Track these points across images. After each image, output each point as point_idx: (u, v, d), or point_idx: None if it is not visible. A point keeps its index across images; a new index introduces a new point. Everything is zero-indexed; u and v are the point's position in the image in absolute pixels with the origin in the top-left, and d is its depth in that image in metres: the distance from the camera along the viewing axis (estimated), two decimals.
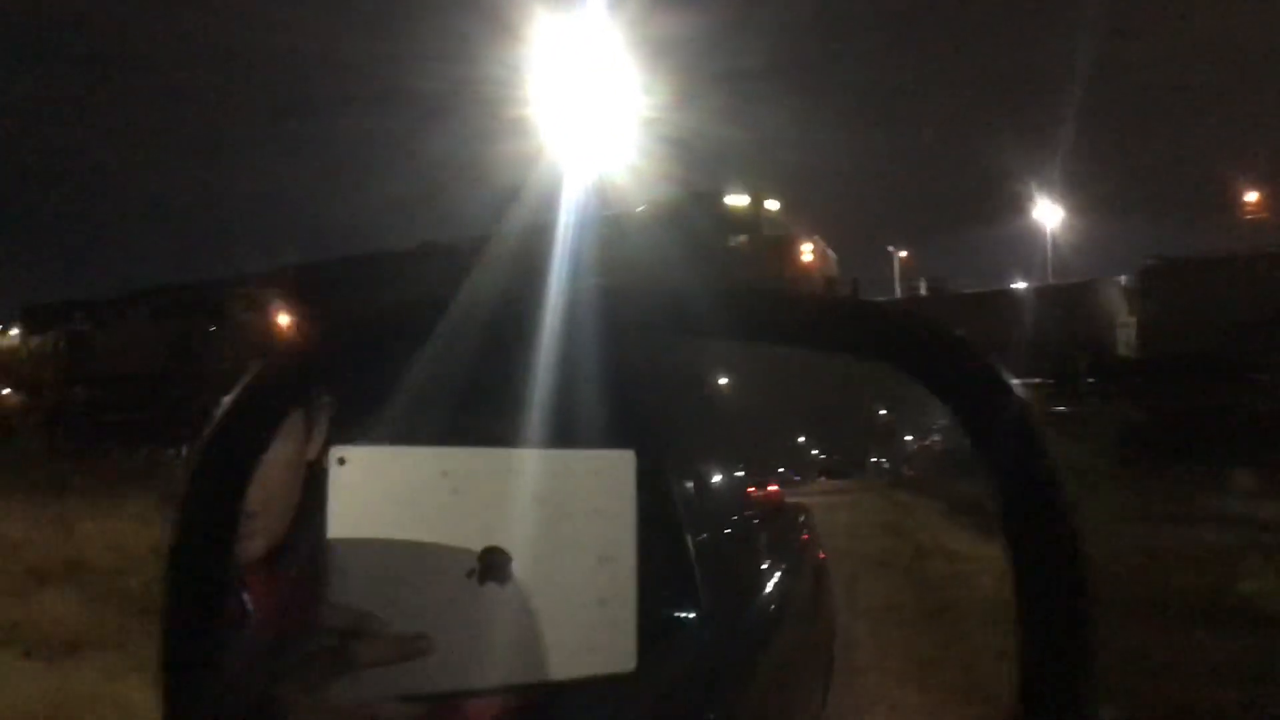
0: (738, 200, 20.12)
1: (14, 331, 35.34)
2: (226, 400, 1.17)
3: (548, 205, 21.02)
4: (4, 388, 32.58)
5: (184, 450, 13.42)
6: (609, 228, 22.83)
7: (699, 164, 24.99)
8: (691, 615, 1.64)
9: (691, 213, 20.28)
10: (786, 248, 19.18)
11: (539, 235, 20.45)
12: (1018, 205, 42.21)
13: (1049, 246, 42.94)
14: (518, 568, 1.07)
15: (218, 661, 1.12)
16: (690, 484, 1.92)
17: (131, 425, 18.93)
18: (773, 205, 20.39)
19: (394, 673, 1.04)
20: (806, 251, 19.10)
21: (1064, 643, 0.99)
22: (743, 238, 19.58)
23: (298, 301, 28.23)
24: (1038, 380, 30.23)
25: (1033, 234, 42.60)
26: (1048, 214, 44.08)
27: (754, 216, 20.02)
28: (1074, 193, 42.98)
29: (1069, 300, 31.45)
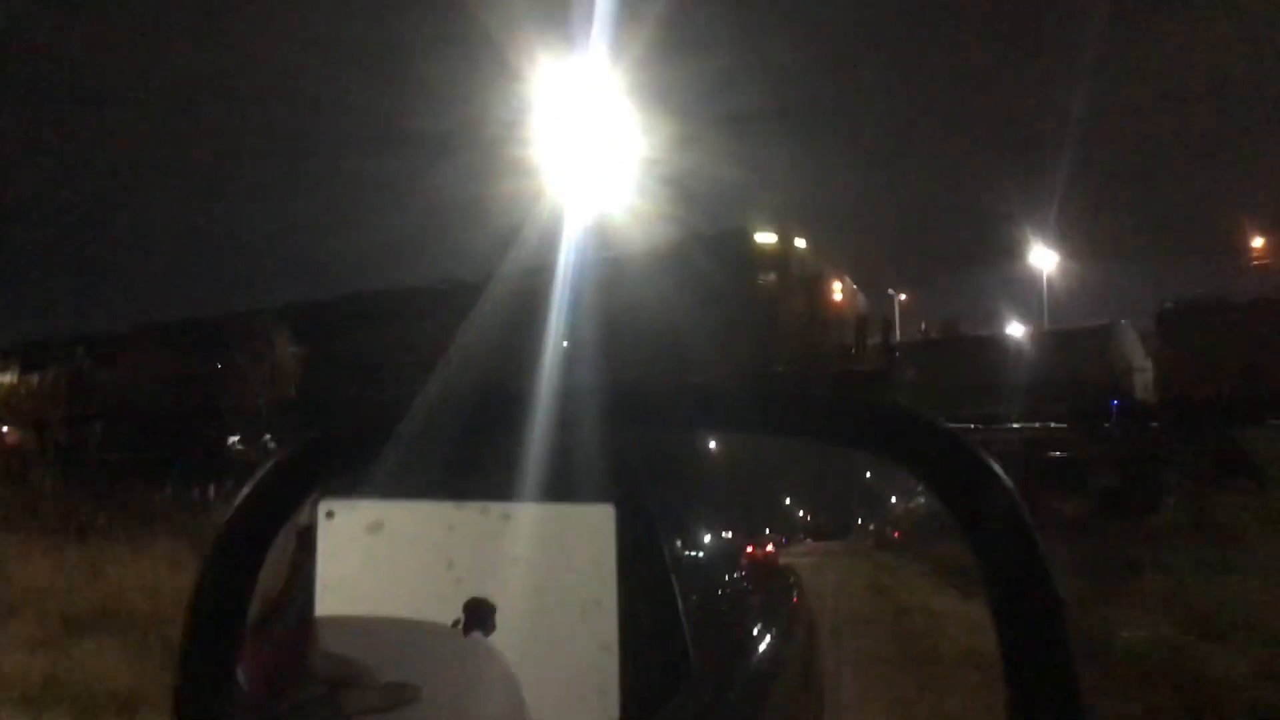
0: (766, 238, 19.78)
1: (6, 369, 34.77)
2: (245, 490, 1.19)
3: (548, 245, 21.27)
4: (3, 425, 31.97)
5: (210, 490, 13.09)
6: (609, 269, 22.64)
7: (698, 205, 25.13)
8: (682, 673, 1.63)
9: (717, 251, 19.94)
10: (816, 286, 18.79)
11: (540, 275, 20.57)
12: (1015, 249, 42.33)
13: (1045, 291, 43.09)
14: (502, 619, 1.09)
15: None
16: (681, 543, 1.92)
17: (143, 463, 18.36)
18: (800, 243, 20.05)
19: None
20: (836, 290, 18.70)
21: None
22: (771, 276, 19.20)
23: (307, 338, 27.82)
24: (1053, 424, 30.11)
25: (1029, 278, 42.67)
26: (1044, 259, 44.30)
27: (783, 255, 19.66)
28: (1071, 237, 43.22)
29: (1084, 344, 31.22)
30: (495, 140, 26.41)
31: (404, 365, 22.80)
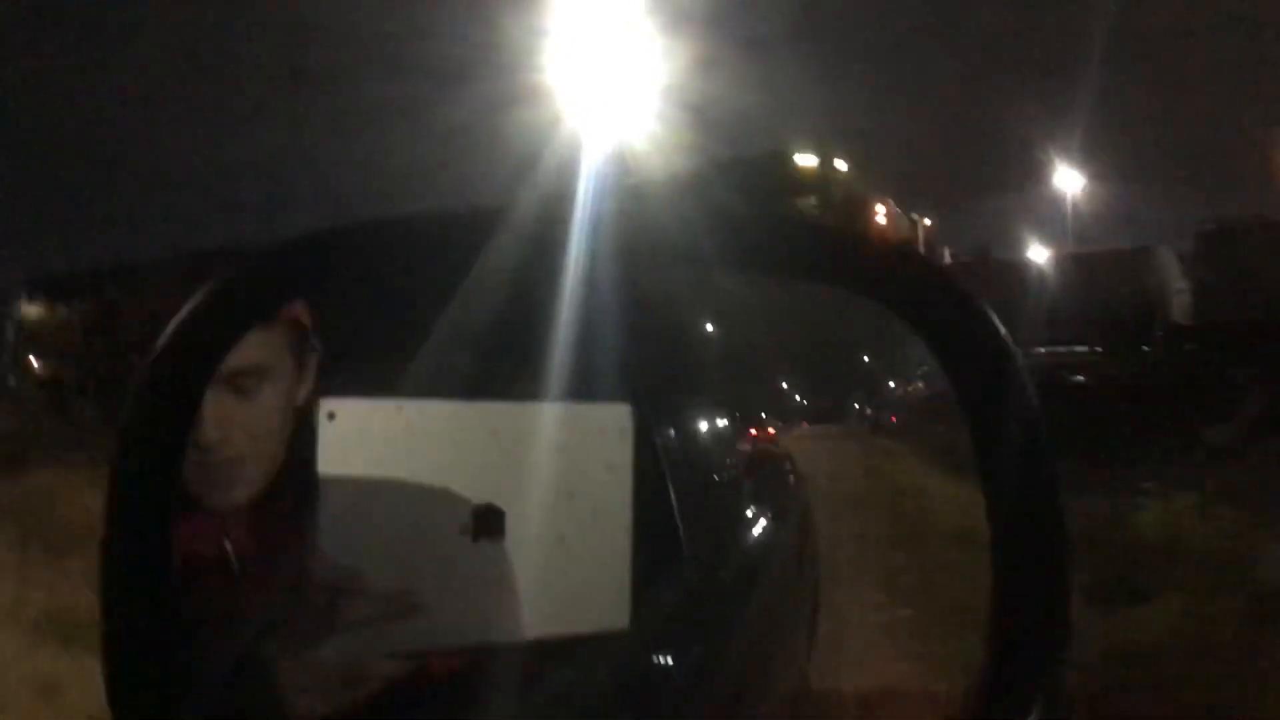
0: (806, 160, 19.31)
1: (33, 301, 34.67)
2: (185, 308, 1.08)
3: (568, 173, 21.03)
4: (34, 357, 31.94)
5: None
6: (630, 197, 22.19)
7: (719, 131, 24.86)
8: (673, 564, 1.60)
9: (755, 175, 19.50)
10: (858, 210, 18.32)
11: (559, 203, 20.03)
12: (1039, 172, 41.68)
13: (1069, 214, 42.52)
14: (513, 523, 1.06)
15: (171, 622, 1.03)
16: (674, 431, 1.87)
17: None
18: (841, 165, 19.58)
19: (383, 630, 1.03)
20: (880, 214, 18.26)
21: (1039, 617, 0.96)
22: (812, 199, 18.74)
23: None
24: (1087, 349, 29.79)
25: (1053, 202, 42.04)
26: (1069, 181, 43.55)
27: (823, 178, 19.18)
28: (1096, 159, 42.46)
29: (1122, 266, 30.78)
30: (511, 66, 25.88)
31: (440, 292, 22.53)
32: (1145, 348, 29.00)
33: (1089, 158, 42.04)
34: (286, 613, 1.11)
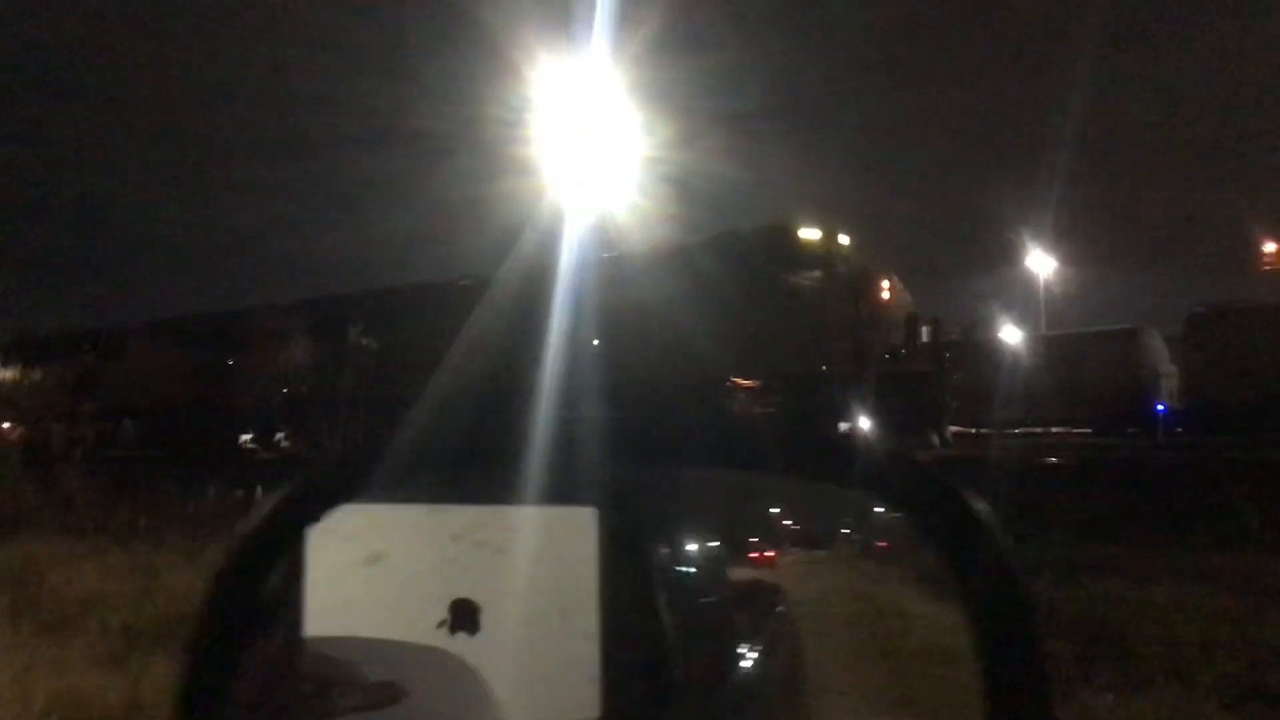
0: (810, 233, 19.09)
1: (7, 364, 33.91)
2: (253, 519, 1.19)
3: (554, 244, 21.11)
4: (4, 421, 31.15)
5: (257, 492, 12.38)
6: (618, 268, 22.11)
7: (699, 203, 25.34)
8: (665, 681, 1.56)
9: (756, 247, 19.30)
10: (863, 284, 18.09)
11: (549, 274, 20.18)
12: (1011, 254, 42.37)
13: (1042, 296, 42.95)
14: (488, 618, 1.13)
15: None
16: (667, 550, 1.87)
17: (165, 461, 17.71)
18: (844, 239, 19.36)
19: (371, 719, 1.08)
20: (884, 288, 18.02)
21: None
22: (816, 273, 18.49)
23: (320, 334, 27.12)
24: (1077, 430, 29.69)
25: (1024, 283, 42.62)
26: (1040, 263, 44.12)
27: (827, 251, 18.96)
28: (1068, 243, 43.30)
29: (1109, 347, 30.81)
30: (496, 139, 26.69)
31: (422, 362, 22.23)
32: (1132, 430, 28.98)
33: (1061, 241, 42.77)
34: (279, 705, 1.13)
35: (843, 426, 17.97)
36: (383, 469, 1.20)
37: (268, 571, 1.18)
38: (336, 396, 25.50)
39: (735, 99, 40.86)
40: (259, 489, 11.68)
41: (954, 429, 18.71)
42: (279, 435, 27.48)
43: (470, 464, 1.28)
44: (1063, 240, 43.32)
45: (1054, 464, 16.25)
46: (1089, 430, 29.49)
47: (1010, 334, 33.36)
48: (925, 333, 18.71)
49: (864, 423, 17.63)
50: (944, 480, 1.14)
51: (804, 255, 18.91)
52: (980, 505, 1.10)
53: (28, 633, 7.13)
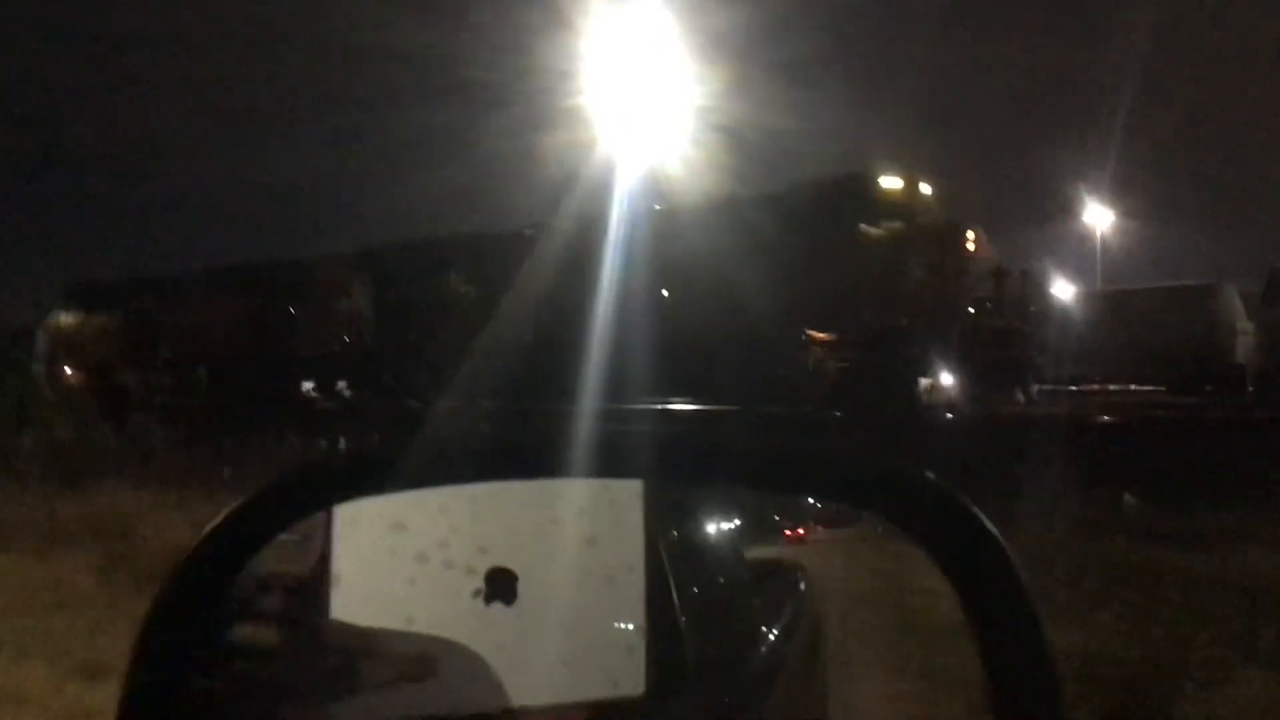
0: (891, 182, 18.42)
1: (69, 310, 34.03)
2: (228, 509, 1.16)
3: (602, 195, 20.88)
4: (66, 366, 31.34)
5: (341, 442, 12.21)
6: (680, 219, 21.64)
7: (752, 153, 25.13)
8: (691, 653, 1.49)
9: (833, 197, 18.67)
10: (947, 236, 17.43)
11: (594, 226, 19.77)
12: (1068, 207, 41.33)
13: (1099, 251, 41.90)
14: (526, 589, 1.10)
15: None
16: (697, 526, 1.87)
17: (235, 409, 17.58)
18: (926, 189, 18.67)
19: (399, 693, 1.07)
20: (969, 240, 17.34)
21: None
22: (897, 224, 17.85)
23: (384, 283, 26.88)
24: (1148, 387, 28.96)
25: (1080, 238, 41.59)
26: (1099, 217, 42.94)
27: (908, 202, 18.29)
28: (1127, 197, 42.10)
29: (1186, 303, 29.92)
30: (547, 90, 26.18)
31: (485, 312, 21.94)
32: (1208, 388, 28.27)
33: (1120, 195, 41.63)
34: (305, 676, 1.13)
35: (924, 382, 17.47)
36: (408, 463, 1.14)
37: (233, 570, 1.14)
38: (400, 346, 25.33)
39: (790, 47, 40.16)
40: (341, 439, 11.46)
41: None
42: (341, 384, 27.36)
43: (521, 438, 1.25)
44: (1123, 194, 42.12)
45: (1156, 423, 15.64)
46: (1162, 388, 28.85)
47: (1072, 289, 32.70)
48: (1014, 285, 18.06)
49: (946, 378, 17.11)
50: (957, 501, 1.07)
51: (885, 205, 18.28)
52: (994, 531, 1.04)
53: (124, 589, 6.91)
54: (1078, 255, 36.56)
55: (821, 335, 18.69)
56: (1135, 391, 28.19)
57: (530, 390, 17.70)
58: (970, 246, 17.27)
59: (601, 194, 21.44)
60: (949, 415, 16.11)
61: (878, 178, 18.47)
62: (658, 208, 22.86)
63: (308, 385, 27.87)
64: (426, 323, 24.83)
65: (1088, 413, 17.96)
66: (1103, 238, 43.58)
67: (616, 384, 17.76)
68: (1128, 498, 6.02)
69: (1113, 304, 29.54)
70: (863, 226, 18.10)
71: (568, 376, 15.73)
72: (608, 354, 17.07)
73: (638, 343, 19.54)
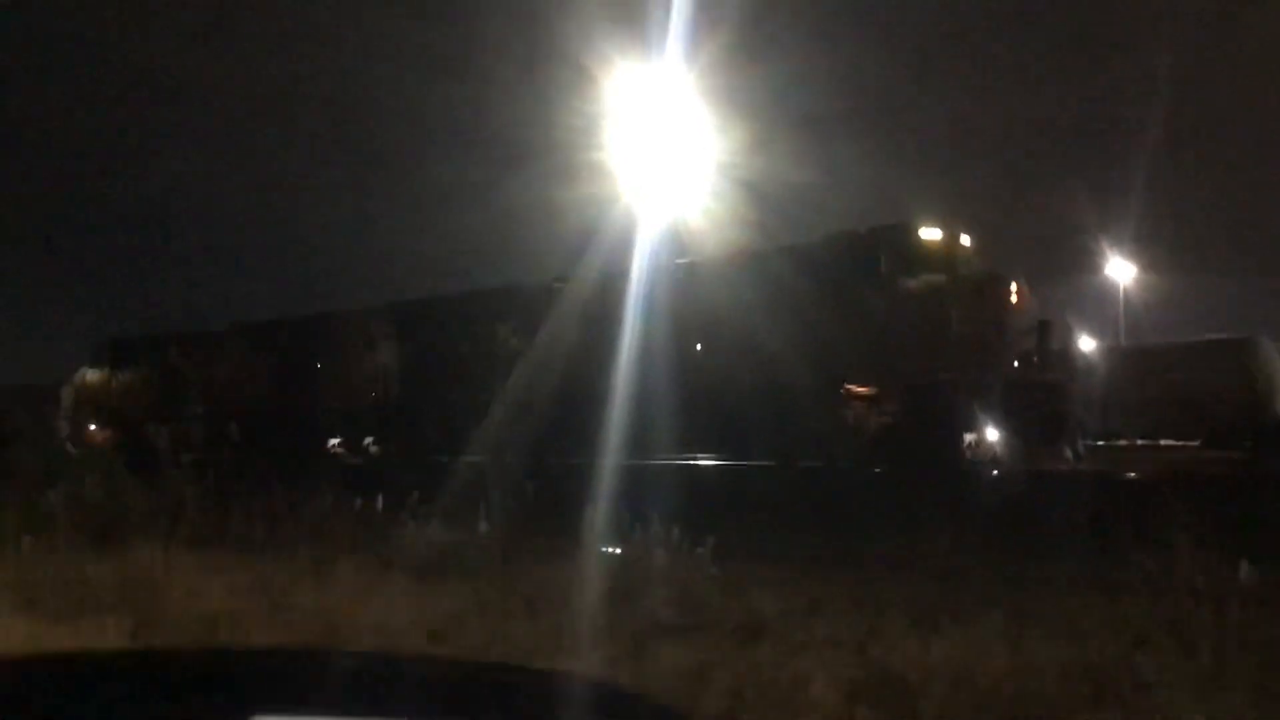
0: (931, 233, 18.13)
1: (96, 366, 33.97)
2: None
3: (624, 249, 20.81)
4: (92, 423, 31.22)
5: (361, 501, 11.85)
6: (690, 274, 21.43)
7: (773, 208, 25.21)
8: None
9: (869, 249, 18.40)
10: (990, 288, 17.10)
11: (619, 280, 19.61)
12: (1089, 261, 41.21)
13: (1122, 304, 41.55)
14: None
15: None
16: None
17: (264, 465, 17.23)
18: (966, 240, 18.38)
19: None
20: (1012, 292, 17.00)
21: None
22: (939, 276, 17.53)
23: (408, 338, 26.69)
24: (1184, 443, 28.42)
25: (1104, 290, 41.34)
26: (1121, 271, 42.56)
27: (949, 253, 18.00)
28: (1150, 250, 42.02)
29: (1222, 358, 29.47)
30: (569, 145, 26.62)
31: (512, 366, 21.70)
32: (1247, 443, 27.77)
33: (1142, 247, 41.38)
34: None
35: (967, 438, 17.06)
36: None
37: None
38: (425, 400, 25.06)
39: (810, 102, 40.59)
40: (378, 498, 11.11)
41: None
42: (368, 440, 27.10)
43: None
44: (1145, 247, 42.01)
45: (1220, 480, 15.14)
46: (1195, 442, 28.37)
47: (1094, 343, 32.38)
48: (1059, 338, 17.70)
49: (990, 434, 16.69)
50: None
51: (924, 256, 17.97)
52: None
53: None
54: (1098, 309, 36.30)
55: (861, 390, 18.33)
56: (1172, 447, 27.72)
57: (556, 445, 17.47)
58: (1014, 298, 16.91)
59: (624, 248, 21.41)
60: (994, 472, 15.66)
61: (917, 229, 18.20)
62: (681, 260, 22.71)
63: (334, 441, 27.63)
64: (453, 377, 24.63)
65: (1139, 469, 17.45)
66: (1125, 291, 43.32)
67: (642, 439, 17.46)
68: (1245, 564, 5.60)
69: (1143, 358, 29.18)
70: (903, 278, 17.79)
71: (594, 431, 15.47)
72: (635, 408, 16.81)
73: (665, 397, 19.27)
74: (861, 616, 6.47)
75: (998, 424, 16.46)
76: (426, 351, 25.84)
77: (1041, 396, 16.60)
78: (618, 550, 8.13)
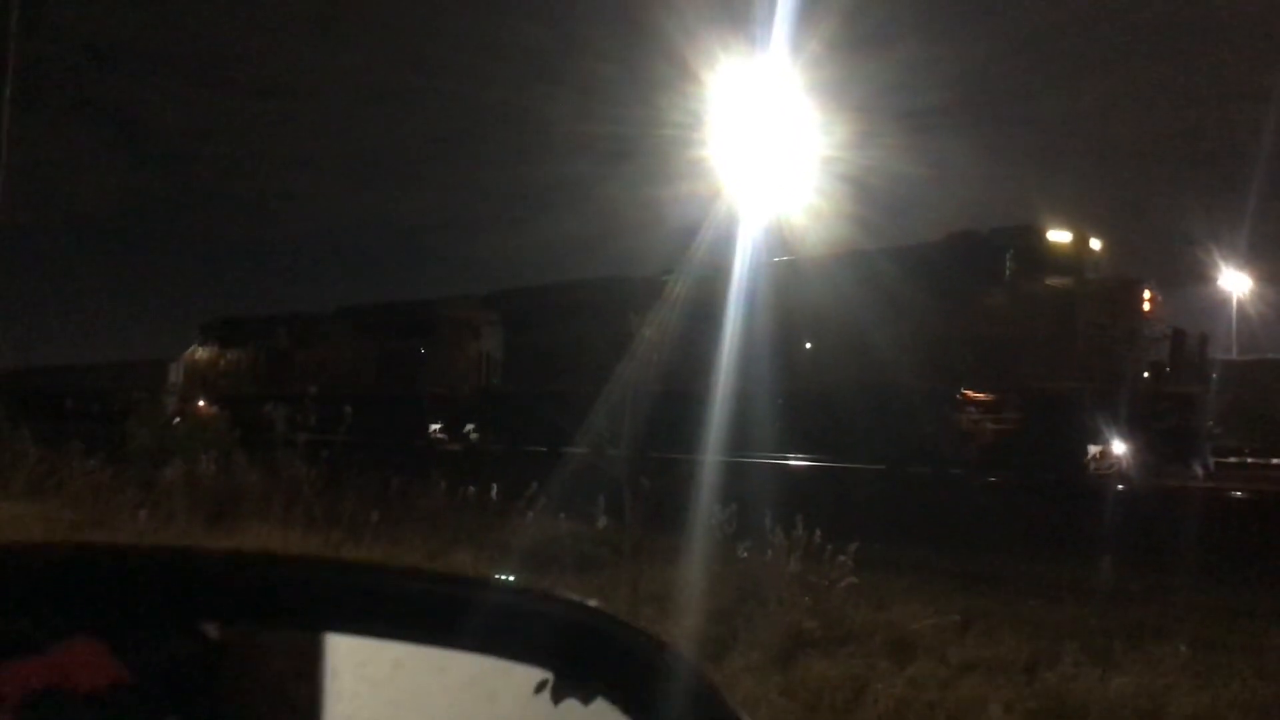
0: (1060, 236, 17.41)
1: (205, 344, 34.69)
2: None
3: (726, 246, 20.41)
4: (200, 400, 31.86)
5: (493, 489, 11.72)
6: (796, 272, 20.92)
7: (877, 203, 24.70)
8: None
9: (998, 251, 17.74)
10: (1121, 294, 16.34)
11: (722, 276, 19.21)
12: (1202, 271, 39.76)
13: (1234, 316, 40.05)
14: None
15: None
16: None
17: (371, 448, 17.28)
18: (1096, 244, 17.63)
19: None
20: (1144, 299, 16.23)
21: None
22: (1067, 280, 16.83)
23: (510, 326, 26.65)
24: None
25: (1216, 303, 39.95)
26: (1235, 282, 40.96)
27: (1077, 256, 17.27)
28: (1265, 261, 40.45)
29: None
30: (672, 142, 26.80)
31: (613, 358, 21.44)
32: None
33: (1257, 258, 39.82)
34: None
35: (1092, 449, 16.36)
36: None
37: None
38: (527, 389, 24.98)
39: (915, 96, 40.17)
40: (491, 486, 10.93)
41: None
42: (468, 427, 27.17)
43: None
44: (1260, 258, 40.43)
45: None
46: None
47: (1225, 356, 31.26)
48: (1191, 349, 16.86)
49: (1118, 446, 15.96)
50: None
51: (1052, 259, 17.27)
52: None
53: None
54: (1211, 321, 35.04)
55: (979, 395, 17.71)
56: None
57: (656, 439, 17.13)
58: (1146, 305, 16.15)
59: (727, 244, 21.13)
60: (1120, 486, 14.96)
61: (1045, 231, 17.49)
62: (785, 259, 22.30)
63: (435, 426, 27.75)
64: (556, 367, 24.51)
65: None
66: (1239, 302, 41.69)
67: (745, 436, 17.11)
68: None
69: (1262, 372, 28.01)
70: (1029, 281, 17.12)
71: (698, 427, 15.18)
72: (738, 405, 16.47)
73: (769, 395, 18.88)
74: (1019, 638, 6.06)
75: (1124, 436, 15.72)
76: (529, 340, 25.74)
77: (1172, 408, 15.82)
78: (744, 554, 7.79)
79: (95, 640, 0.89)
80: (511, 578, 1.45)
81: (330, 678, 1.02)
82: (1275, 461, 26.95)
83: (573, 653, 0.99)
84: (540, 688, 0.99)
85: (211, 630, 0.95)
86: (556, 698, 0.98)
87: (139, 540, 9.25)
